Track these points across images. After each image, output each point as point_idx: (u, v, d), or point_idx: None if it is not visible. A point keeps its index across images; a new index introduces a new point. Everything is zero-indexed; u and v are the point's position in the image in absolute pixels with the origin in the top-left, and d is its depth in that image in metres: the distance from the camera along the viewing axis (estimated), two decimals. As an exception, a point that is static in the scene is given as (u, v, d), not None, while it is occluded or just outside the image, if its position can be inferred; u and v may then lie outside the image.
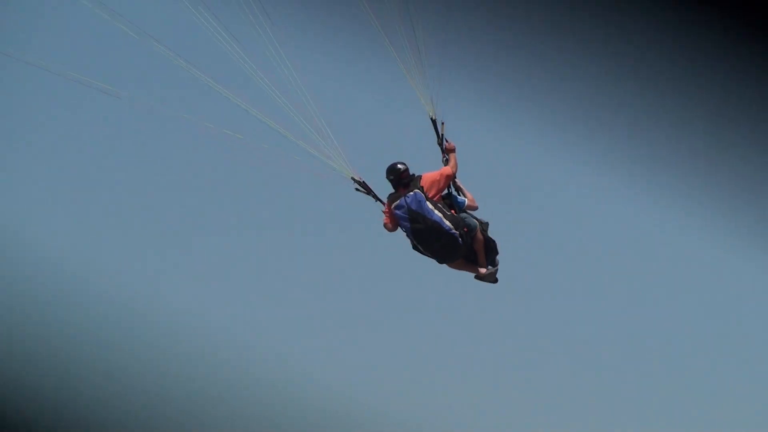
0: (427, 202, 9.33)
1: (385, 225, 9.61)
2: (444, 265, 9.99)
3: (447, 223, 9.27)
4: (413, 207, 9.29)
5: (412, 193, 9.39)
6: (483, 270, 9.75)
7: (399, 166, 9.56)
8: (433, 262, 9.79)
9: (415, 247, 9.52)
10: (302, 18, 10.71)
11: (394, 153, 10.30)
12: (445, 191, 9.85)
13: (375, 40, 9.84)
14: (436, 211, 9.33)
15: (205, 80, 10.42)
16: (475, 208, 9.97)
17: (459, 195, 10.01)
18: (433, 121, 9.69)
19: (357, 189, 9.79)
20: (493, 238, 9.87)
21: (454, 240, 9.30)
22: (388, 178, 9.59)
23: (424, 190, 9.43)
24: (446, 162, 9.83)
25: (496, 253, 9.99)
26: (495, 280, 9.87)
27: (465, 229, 9.44)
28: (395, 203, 9.48)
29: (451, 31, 9.50)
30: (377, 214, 9.89)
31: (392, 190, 9.83)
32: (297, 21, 10.67)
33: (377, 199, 9.82)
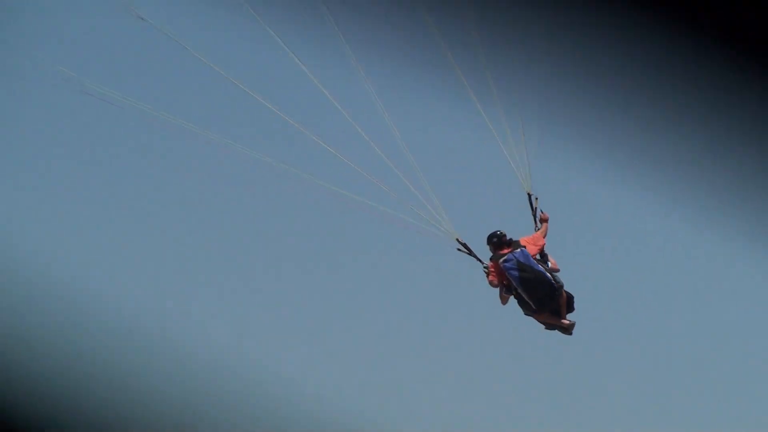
0: (532, 258, 11.04)
1: (491, 282, 11.09)
2: (528, 316, 11.57)
3: (549, 275, 11.03)
4: (521, 260, 10.91)
5: (518, 250, 11.10)
6: (566, 321, 11.37)
7: (499, 232, 11.31)
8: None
9: (518, 297, 11.05)
10: (410, 90, 12.14)
11: (489, 220, 12.05)
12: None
13: (478, 121, 11.39)
14: (541, 265, 11.06)
15: (315, 140, 11.90)
16: (557, 271, 11.56)
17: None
18: (529, 195, 11.38)
19: (459, 249, 11.35)
20: (572, 294, 11.57)
21: (554, 290, 11.07)
22: (490, 242, 11.26)
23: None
24: (538, 229, 11.54)
25: (573, 309, 11.64)
26: (571, 333, 11.50)
27: (558, 284, 11.15)
28: (502, 259, 11.08)
29: (553, 117, 10.83)
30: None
31: (490, 254, 11.47)
32: (404, 93, 12.16)
33: (478, 259, 11.44)
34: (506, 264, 10.99)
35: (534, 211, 11.45)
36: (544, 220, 11.51)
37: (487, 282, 11.26)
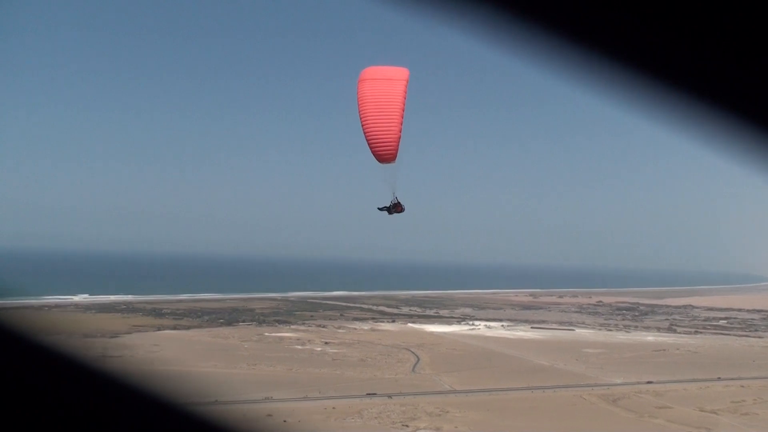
0: (399, 204, 29.51)
1: (397, 210, 29.46)
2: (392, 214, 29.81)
3: (403, 207, 29.59)
4: (401, 205, 29.43)
5: (401, 205, 29.53)
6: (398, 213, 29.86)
7: (395, 202, 29.52)
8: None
9: (387, 209, 29.34)
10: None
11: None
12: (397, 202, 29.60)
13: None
14: (401, 206, 29.59)
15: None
16: (402, 208, 29.77)
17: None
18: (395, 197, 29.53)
19: (392, 200, 29.34)
20: (404, 208, 29.61)
21: (403, 209, 29.69)
22: (398, 202, 29.42)
23: (398, 201, 29.54)
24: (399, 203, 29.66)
25: (402, 211, 29.59)
26: (398, 212, 29.48)
27: (403, 208, 29.72)
28: (399, 205, 29.50)
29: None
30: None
31: (393, 203, 29.69)
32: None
33: (393, 204, 29.32)
34: (401, 206, 29.63)
35: (395, 199, 29.78)
36: (399, 203, 29.82)
37: (393, 208, 29.65)
